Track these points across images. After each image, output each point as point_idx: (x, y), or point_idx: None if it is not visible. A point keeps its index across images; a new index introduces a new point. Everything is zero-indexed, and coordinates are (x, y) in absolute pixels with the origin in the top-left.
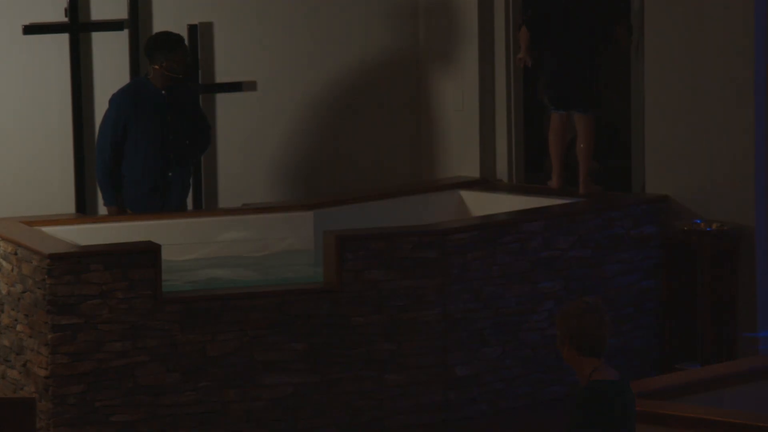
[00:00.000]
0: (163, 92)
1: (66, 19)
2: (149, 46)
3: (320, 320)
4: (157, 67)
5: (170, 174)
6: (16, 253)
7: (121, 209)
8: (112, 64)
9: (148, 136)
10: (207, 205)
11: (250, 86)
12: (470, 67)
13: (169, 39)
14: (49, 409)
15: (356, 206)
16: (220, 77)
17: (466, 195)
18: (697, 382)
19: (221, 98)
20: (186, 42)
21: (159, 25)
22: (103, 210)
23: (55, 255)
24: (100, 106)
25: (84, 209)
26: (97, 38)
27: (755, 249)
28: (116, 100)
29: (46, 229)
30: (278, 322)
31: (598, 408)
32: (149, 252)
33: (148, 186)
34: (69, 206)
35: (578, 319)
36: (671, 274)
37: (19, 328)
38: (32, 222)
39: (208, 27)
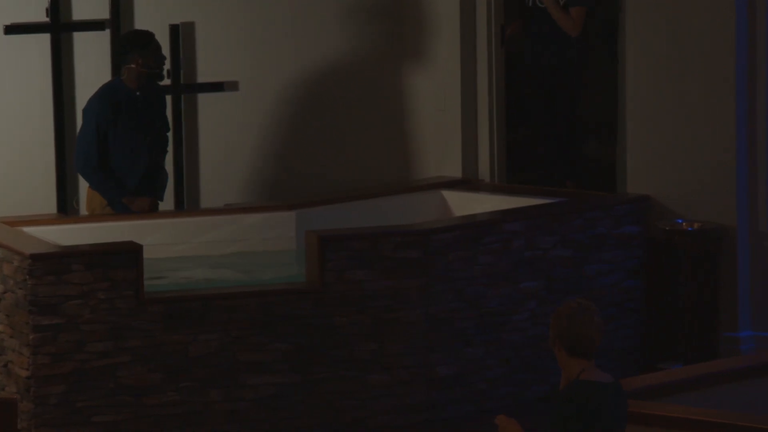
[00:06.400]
0: (138, 93)
1: (47, 19)
2: (122, 46)
3: (302, 320)
4: (133, 66)
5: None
6: None
7: (134, 193)
8: (93, 65)
9: (129, 138)
10: (189, 205)
11: (232, 86)
12: (452, 67)
13: (140, 36)
14: (31, 410)
15: (338, 206)
16: (202, 77)
17: (449, 195)
18: (679, 381)
19: (203, 98)
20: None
21: (140, 25)
22: (86, 210)
23: (37, 255)
24: (82, 106)
25: (65, 209)
26: (79, 38)
27: (737, 249)
28: (94, 108)
29: (27, 229)
30: (261, 323)
31: (571, 408)
32: (131, 252)
33: (134, 186)
34: (50, 206)
35: (568, 320)
36: (653, 274)
37: (0, 328)
38: (13, 222)
39: (189, 27)
